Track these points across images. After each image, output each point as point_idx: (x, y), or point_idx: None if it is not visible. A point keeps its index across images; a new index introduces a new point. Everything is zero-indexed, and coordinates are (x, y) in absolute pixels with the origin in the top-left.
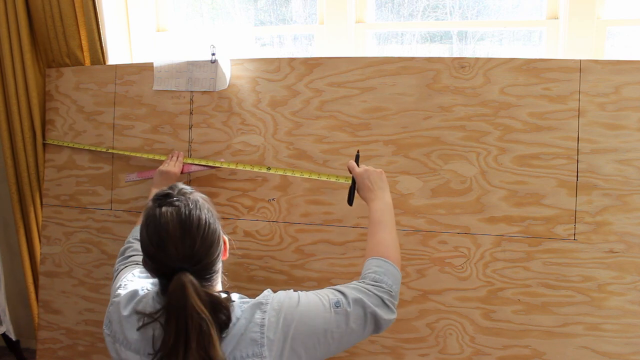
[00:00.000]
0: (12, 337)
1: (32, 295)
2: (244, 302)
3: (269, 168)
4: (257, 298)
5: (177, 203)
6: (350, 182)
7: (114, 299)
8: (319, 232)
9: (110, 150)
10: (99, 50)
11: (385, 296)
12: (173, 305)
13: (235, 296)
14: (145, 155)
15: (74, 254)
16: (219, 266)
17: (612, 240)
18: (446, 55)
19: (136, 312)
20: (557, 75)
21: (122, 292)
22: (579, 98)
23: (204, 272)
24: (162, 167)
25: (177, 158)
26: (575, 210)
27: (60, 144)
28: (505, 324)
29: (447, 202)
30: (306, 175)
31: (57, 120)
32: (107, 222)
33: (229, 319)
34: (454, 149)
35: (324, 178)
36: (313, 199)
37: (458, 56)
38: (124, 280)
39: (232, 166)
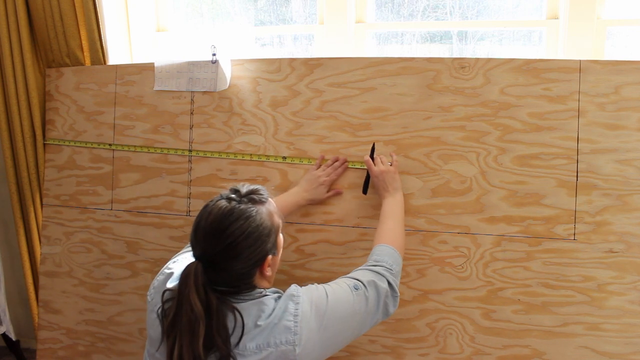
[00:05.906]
0: (12, 337)
1: (32, 295)
2: (278, 295)
3: (284, 157)
4: (287, 291)
5: (233, 203)
6: (364, 172)
7: (165, 270)
8: (319, 232)
9: (113, 147)
10: (99, 50)
11: (388, 274)
12: (180, 291)
13: (270, 290)
14: (152, 150)
15: (74, 254)
16: (251, 280)
17: (612, 240)
18: (446, 55)
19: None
20: (557, 75)
21: (175, 266)
22: (579, 98)
23: (220, 277)
24: (314, 171)
25: (338, 164)
26: (575, 210)
27: (61, 143)
28: (505, 324)
29: (447, 202)
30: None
31: (57, 120)
32: (108, 222)
33: (237, 325)
34: (454, 149)
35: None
36: None
37: (458, 56)
38: (180, 256)
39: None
